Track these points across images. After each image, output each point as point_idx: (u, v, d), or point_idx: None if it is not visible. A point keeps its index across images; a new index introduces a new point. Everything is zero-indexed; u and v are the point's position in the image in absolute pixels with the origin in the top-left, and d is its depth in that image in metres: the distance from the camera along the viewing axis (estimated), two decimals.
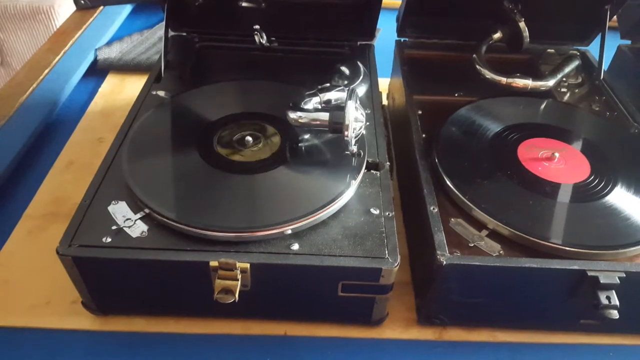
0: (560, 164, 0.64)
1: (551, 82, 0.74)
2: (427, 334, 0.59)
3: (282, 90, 0.72)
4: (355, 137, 0.57)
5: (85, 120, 0.87)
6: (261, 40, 0.79)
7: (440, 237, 0.54)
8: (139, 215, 0.52)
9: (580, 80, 0.81)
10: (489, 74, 0.74)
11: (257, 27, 0.80)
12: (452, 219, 0.58)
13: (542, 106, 0.74)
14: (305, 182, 0.57)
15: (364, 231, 0.54)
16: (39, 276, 0.62)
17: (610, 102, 0.76)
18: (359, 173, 0.58)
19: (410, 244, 0.65)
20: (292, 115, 0.60)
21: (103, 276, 0.52)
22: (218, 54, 0.83)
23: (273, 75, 0.78)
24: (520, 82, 0.73)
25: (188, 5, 0.81)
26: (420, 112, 0.72)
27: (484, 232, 0.57)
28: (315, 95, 0.63)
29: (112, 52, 1.01)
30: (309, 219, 0.53)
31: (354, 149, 0.57)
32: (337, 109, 0.57)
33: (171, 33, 0.83)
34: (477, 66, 0.76)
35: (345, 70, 0.71)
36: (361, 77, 0.67)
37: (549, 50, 0.86)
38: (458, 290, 0.54)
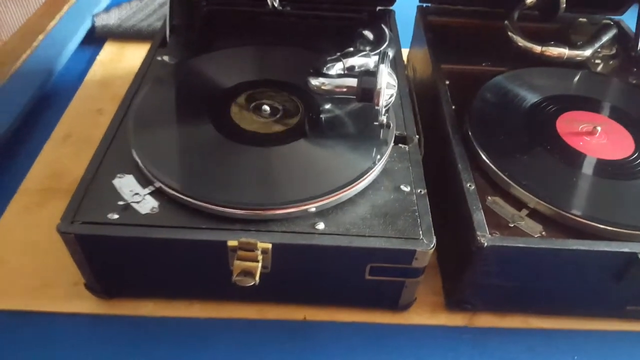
0: (602, 138, 0.59)
1: (588, 52, 0.68)
2: (456, 319, 0.55)
3: (300, 56, 0.66)
4: (386, 106, 0.51)
5: (84, 90, 0.81)
6: (273, 3, 0.73)
7: (479, 217, 0.49)
8: (148, 190, 0.47)
9: (614, 51, 0.76)
10: (522, 42, 0.69)
11: None
12: (489, 197, 0.53)
13: (579, 77, 0.69)
14: (329, 157, 0.52)
15: (395, 210, 0.49)
16: (37, 256, 0.57)
17: None
18: (387, 146, 0.53)
19: (438, 223, 0.61)
20: (314, 82, 0.55)
21: (109, 256, 0.47)
22: (227, 18, 0.77)
23: (285, 42, 0.73)
24: (556, 51, 0.68)
25: None
26: (447, 82, 0.67)
27: (524, 212, 0.52)
28: (338, 60, 0.58)
29: (111, 19, 0.95)
30: (335, 196, 0.48)
31: (384, 119, 0.52)
32: (366, 74, 0.52)
33: None
34: (509, 33, 0.70)
35: (368, 34, 0.65)
36: (387, 42, 0.62)
37: (580, 19, 0.80)
38: (496, 274, 0.50)
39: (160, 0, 1.00)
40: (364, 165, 0.51)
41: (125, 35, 0.92)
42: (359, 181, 0.49)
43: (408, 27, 0.83)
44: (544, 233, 0.50)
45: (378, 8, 0.79)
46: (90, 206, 0.46)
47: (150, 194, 0.47)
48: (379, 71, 0.50)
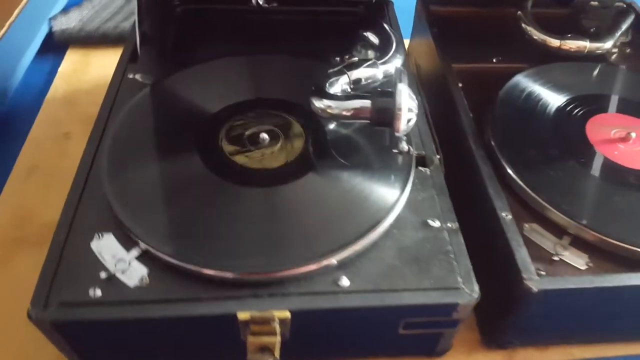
0: (637, 145, 0.53)
1: (609, 44, 0.62)
2: (495, 358, 0.50)
3: (296, 66, 0.58)
4: (406, 131, 0.44)
5: (46, 110, 0.71)
6: (258, 1, 0.65)
7: (522, 255, 0.42)
8: (134, 254, 0.39)
9: (630, 37, 0.70)
10: (538, 35, 0.62)
11: None
12: (526, 225, 0.47)
13: (602, 73, 0.62)
14: (345, 192, 0.45)
15: (426, 252, 0.42)
16: (6, 328, 0.48)
17: None
18: (409, 174, 0.46)
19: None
20: (319, 104, 0.47)
21: (95, 341, 0.39)
22: (205, 19, 0.68)
23: (275, 44, 0.65)
24: (575, 45, 0.61)
25: None
26: (460, 84, 0.60)
27: (566, 240, 0.46)
28: (341, 73, 0.50)
29: (71, 21, 0.84)
30: (357, 244, 0.41)
31: (405, 145, 0.44)
32: (382, 95, 0.44)
33: None
34: (524, 25, 0.63)
35: (371, 37, 0.57)
36: (394, 47, 0.54)
37: (592, 2, 0.73)
38: (543, 315, 0.44)
39: None
40: (386, 200, 0.44)
41: (89, 40, 0.82)
42: (382, 222, 0.42)
43: (406, 17, 0.75)
44: (590, 264, 0.45)
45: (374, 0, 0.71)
46: (66, 280, 0.38)
47: (137, 257, 0.39)
48: (398, 91, 0.42)
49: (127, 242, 0.40)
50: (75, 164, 0.46)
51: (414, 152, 0.47)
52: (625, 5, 0.71)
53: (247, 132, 0.49)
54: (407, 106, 0.42)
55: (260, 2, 0.64)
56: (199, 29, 0.66)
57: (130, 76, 0.56)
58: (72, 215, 0.42)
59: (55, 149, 0.64)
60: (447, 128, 0.57)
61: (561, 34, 0.62)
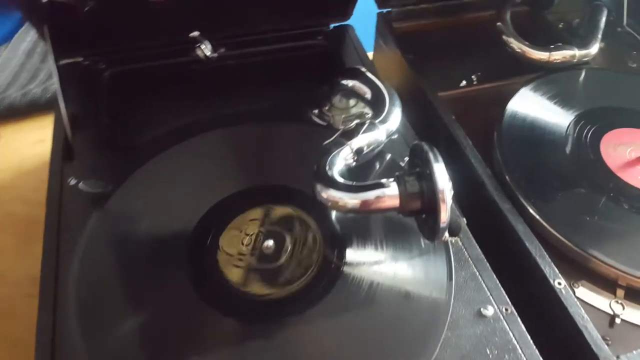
0: None
1: (595, 48, 0.58)
2: None
3: (275, 135, 0.49)
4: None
5: None
6: (206, 52, 0.54)
7: (593, 334, 0.38)
8: None
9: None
10: (524, 49, 0.56)
11: (195, 34, 0.54)
12: (575, 285, 0.42)
13: (582, 78, 0.59)
14: (391, 315, 0.38)
15: (490, 352, 0.37)
16: None
17: None
18: (451, 261, 0.40)
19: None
20: (325, 194, 0.38)
21: None
22: (140, 82, 0.56)
23: (231, 95, 0.55)
24: (566, 55, 0.56)
25: (75, 14, 0.52)
26: (453, 117, 0.54)
27: (620, 293, 0.42)
28: (340, 145, 0.42)
29: None
30: None
31: (447, 236, 0.38)
32: (413, 177, 0.37)
33: (61, 62, 0.54)
34: (505, 37, 0.58)
35: (352, 84, 0.48)
36: (387, 99, 0.46)
37: None
38: None
39: (24, 47, 0.74)
40: (436, 302, 0.37)
41: None
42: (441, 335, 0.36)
43: (363, 33, 0.67)
44: None
45: (332, 26, 0.62)
46: None
47: None
48: (434, 172, 0.35)
49: None
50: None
51: (448, 237, 0.41)
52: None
53: (245, 245, 0.40)
54: (449, 189, 0.35)
55: (208, 54, 0.54)
56: (136, 95, 0.54)
57: (72, 183, 0.44)
58: None
59: None
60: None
61: (529, 34, 0.58)
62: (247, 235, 0.41)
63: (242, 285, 0.38)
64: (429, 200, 0.36)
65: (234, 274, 0.39)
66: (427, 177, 0.36)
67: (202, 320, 0.36)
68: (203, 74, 0.57)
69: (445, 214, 0.35)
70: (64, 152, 0.46)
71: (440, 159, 0.36)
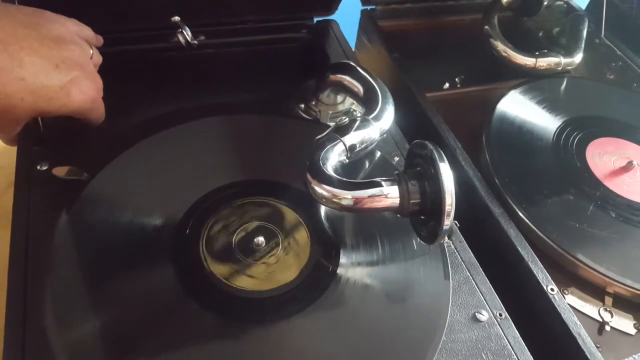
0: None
1: (579, 57, 0.59)
2: None
3: (260, 127, 0.46)
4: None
5: None
6: (187, 38, 0.51)
7: (586, 342, 0.37)
8: None
9: None
10: (511, 53, 0.56)
11: (176, 18, 0.50)
12: (565, 291, 0.42)
13: (564, 87, 0.59)
14: (386, 311, 0.36)
15: (486, 358, 0.35)
16: None
17: (626, 67, 0.65)
18: (445, 264, 0.38)
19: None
20: (320, 190, 0.36)
21: None
22: (117, 65, 0.51)
23: (209, 84, 0.52)
24: (551, 62, 0.57)
25: None
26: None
27: (608, 301, 0.42)
28: (334, 140, 0.40)
29: None
30: None
31: (446, 239, 0.36)
32: (415, 177, 0.35)
33: None
34: (492, 41, 0.57)
35: (344, 80, 0.47)
36: (380, 97, 0.44)
37: None
38: None
39: None
40: (433, 309, 0.36)
41: None
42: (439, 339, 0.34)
43: (349, 34, 0.66)
44: (638, 326, 0.41)
45: (316, 20, 0.60)
46: None
47: None
48: (440, 172, 0.33)
49: None
50: None
51: (447, 241, 0.40)
52: (564, 3, 0.69)
53: (235, 239, 0.37)
54: (453, 191, 0.34)
55: (189, 39, 0.50)
56: (113, 79, 0.50)
57: (44, 168, 0.39)
58: None
59: None
60: None
61: (509, 40, 0.58)
62: (236, 230, 0.38)
63: (227, 279, 0.35)
64: (432, 201, 0.34)
65: (221, 269, 0.36)
66: (430, 177, 0.34)
67: (184, 313, 0.33)
68: (182, 62, 0.54)
69: (449, 216, 0.33)
70: (33, 135, 0.42)
71: (445, 158, 0.34)
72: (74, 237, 0.35)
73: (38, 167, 0.40)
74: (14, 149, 0.41)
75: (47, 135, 0.42)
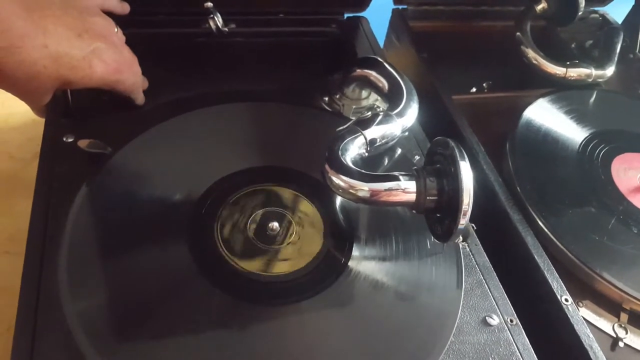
0: None
1: (611, 70, 0.58)
2: None
3: (285, 116, 0.47)
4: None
5: None
6: (218, 24, 0.51)
7: (599, 357, 0.36)
8: None
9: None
10: (542, 62, 0.56)
11: (209, 4, 0.51)
12: (580, 304, 0.41)
13: (594, 99, 0.58)
14: (394, 301, 0.36)
15: None
16: None
17: None
18: (459, 266, 0.38)
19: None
20: (337, 180, 0.36)
21: None
22: (147, 46, 0.52)
23: (236, 72, 0.52)
24: (582, 73, 0.56)
25: None
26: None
27: (624, 317, 0.41)
28: (354, 132, 0.40)
29: None
30: None
31: (460, 239, 0.36)
32: (434, 174, 0.35)
33: None
34: (523, 48, 0.57)
35: (370, 75, 0.47)
36: (404, 91, 0.44)
37: None
38: None
39: None
40: (443, 308, 0.36)
41: None
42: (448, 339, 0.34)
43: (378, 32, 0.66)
44: None
45: (346, 16, 0.60)
46: None
47: None
48: (460, 170, 0.33)
49: None
50: None
51: (461, 242, 0.39)
52: (598, 14, 0.68)
53: (250, 233, 0.37)
54: (471, 190, 0.33)
55: (220, 25, 0.51)
56: (140, 60, 0.51)
57: (69, 140, 0.40)
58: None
59: None
60: None
61: (541, 49, 0.57)
62: (246, 224, 0.38)
63: (264, 271, 0.36)
64: (449, 199, 0.34)
65: (253, 265, 0.36)
66: (449, 175, 0.34)
67: (195, 289, 0.34)
68: (210, 48, 0.54)
69: (466, 215, 0.33)
70: (62, 110, 0.43)
71: (466, 156, 0.34)
72: (93, 209, 0.36)
73: (64, 139, 0.40)
74: (43, 122, 0.42)
75: (75, 108, 0.43)
